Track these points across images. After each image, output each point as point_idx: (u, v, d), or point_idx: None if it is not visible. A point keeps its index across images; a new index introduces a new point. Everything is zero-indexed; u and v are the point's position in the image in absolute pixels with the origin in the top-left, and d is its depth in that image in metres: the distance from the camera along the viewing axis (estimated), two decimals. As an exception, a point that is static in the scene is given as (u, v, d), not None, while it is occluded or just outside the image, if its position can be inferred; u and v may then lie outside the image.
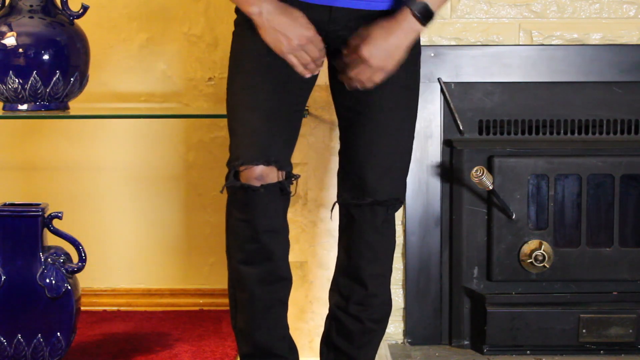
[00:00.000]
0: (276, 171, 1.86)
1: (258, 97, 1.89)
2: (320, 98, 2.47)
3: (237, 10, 1.95)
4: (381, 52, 1.84)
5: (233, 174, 1.85)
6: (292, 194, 1.91)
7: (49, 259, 2.37)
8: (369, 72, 1.85)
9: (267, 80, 1.91)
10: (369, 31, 1.85)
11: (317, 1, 1.90)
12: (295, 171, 2.33)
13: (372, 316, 2.02)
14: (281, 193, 1.89)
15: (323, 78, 2.07)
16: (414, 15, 1.84)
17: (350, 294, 2.00)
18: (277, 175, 1.87)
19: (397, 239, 2.12)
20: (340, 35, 1.94)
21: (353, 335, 2.02)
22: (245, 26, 1.94)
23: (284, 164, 1.88)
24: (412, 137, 2.01)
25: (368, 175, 1.95)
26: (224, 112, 2.00)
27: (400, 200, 2.01)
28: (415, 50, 1.95)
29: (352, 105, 1.98)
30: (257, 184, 1.84)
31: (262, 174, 1.84)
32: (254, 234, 1.87)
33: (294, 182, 1.92)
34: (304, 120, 2.38)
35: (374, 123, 1.95)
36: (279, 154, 1.87)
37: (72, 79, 2.50)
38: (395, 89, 1.94)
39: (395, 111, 1.95)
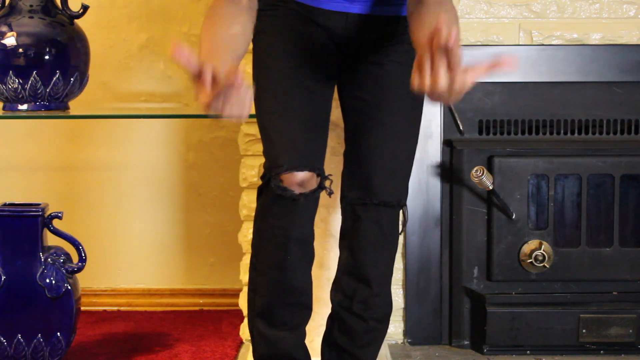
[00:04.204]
0: (315, 177, 1.89)
1: (292, 104, 1.94)
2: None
3: (258, 18, 1.98)
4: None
5: (275, 181, 1.88)
6: (331, 194, 1.94)
7: (49, 259, 2.37)
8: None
9: (297, 86, 1.96)
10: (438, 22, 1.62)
11: (335, 8, 1.97)
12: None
13: (375, 315, 2.03)
14: (315, 199, 1.93)
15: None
16: None
17: (354, 293, 2.01)
18: (316, 182, 1.90)
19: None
20: (352, 40, 2.00)
21: (356, 334, 2.03)
22: (267, 33, 2.00)
23: (322, 171, 1.93)
24: (417, 141, 2.03)
25: (375, 176, 1.96)
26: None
27: (403, 203, 2.03)
28: None
29: (360, 107, 2.00)
30: (298, 190, 1.87)
31: (304, 180, 1.88)
32: (285, 242, 1.90)
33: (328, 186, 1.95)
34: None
35: (383, 126, 1.97)
36: (318, 160, 1.92)
37: (72, 79, 2.50)
38: (403, 92, 1.95)
39: (404, 115, 1.98)
